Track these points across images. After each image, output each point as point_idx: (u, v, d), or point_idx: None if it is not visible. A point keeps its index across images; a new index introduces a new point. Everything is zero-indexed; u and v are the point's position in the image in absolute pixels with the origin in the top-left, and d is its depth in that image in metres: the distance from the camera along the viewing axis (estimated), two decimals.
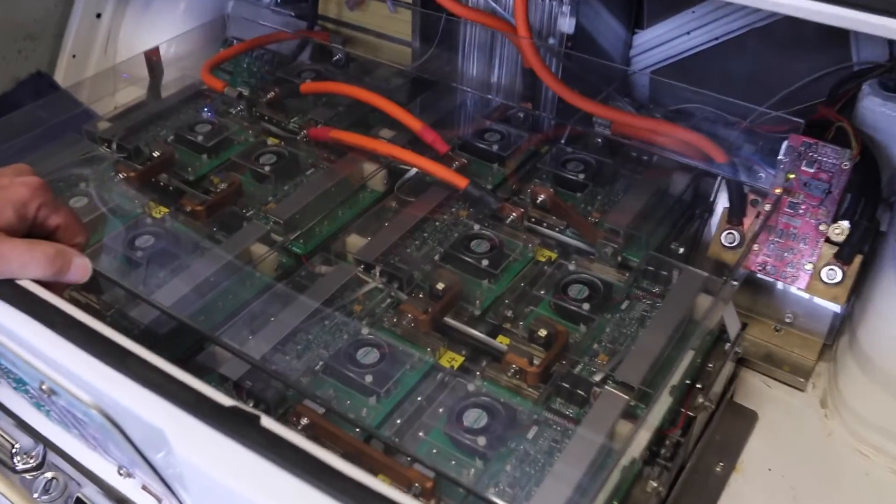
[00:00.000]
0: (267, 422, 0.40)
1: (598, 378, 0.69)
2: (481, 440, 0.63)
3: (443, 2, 0.98)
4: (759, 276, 0.85)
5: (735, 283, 0.74)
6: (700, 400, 0.71)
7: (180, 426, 0.41)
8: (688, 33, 1.03)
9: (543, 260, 0.83)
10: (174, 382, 0.42)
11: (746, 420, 0.81)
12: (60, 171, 0.91)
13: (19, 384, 0.56)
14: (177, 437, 0.41)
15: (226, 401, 0.42)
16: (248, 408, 0.41)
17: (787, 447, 0.79)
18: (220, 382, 0.69)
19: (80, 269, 0.55)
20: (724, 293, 0.73)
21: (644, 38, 1.06)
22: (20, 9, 1.10)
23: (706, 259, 0.89)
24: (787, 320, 0.87)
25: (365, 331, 0.73)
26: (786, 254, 0.84)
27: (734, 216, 0.86)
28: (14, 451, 0.65)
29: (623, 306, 0.77)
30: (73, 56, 1.15)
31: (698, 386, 0.72)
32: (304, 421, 0.65)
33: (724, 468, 0.76)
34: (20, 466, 0.65)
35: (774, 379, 0.85)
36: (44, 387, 0.49)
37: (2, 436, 0.67)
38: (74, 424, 0.56)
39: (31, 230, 0.55)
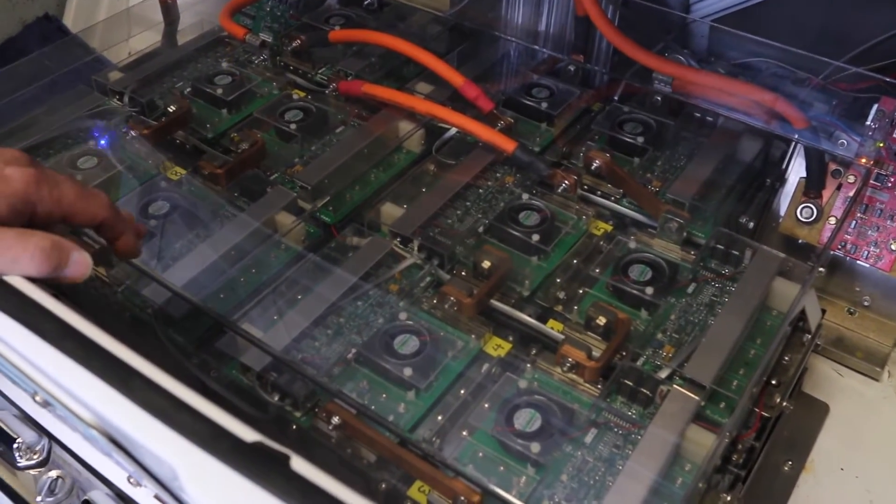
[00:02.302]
0: (298, 464, 0.33)
1: (663, 374, 0.62)
2: (535, 446, 0.56)
3: None
4: (834, 253, 0.76)
5: (822, 269, 0.66)
6: (777, 399, 0.63)
7: (193, 464, 0.34)
8: None
9: (598, 233, 0.75)
10: (186, 410, 0.35)
11: (816, 413, 0.74)
12: (67, 126, 0.83)
13: (15, 383, 0.49)
14: (189, 477, 0.34)
15: (248, 435, 0.34)
16: (276, 446, 0.34)
17: (861, 444, 0.72)
18: (243, 372, 0.62)
19: (78, 265, 0.47)
20: (809, 281, 0.64)
21: None
22: None
23: (776, 233, 0.81)
24: (865, 303, 0.78)
25: (403, 315, 0.65)
26: (869, 231, 0.75)
27: (812, 188, 0.78)
28: (16, 445, 0.59)
29: (689, 290, 0.69)
30: None
31: (773, 382, 0.65)
32: (336, 420, 0.58)
33: (792, 467, 0.69)
34: (23, 463, 0.59)
35: (846, 366, 0.78)
36: (37, 398, 0.42)
37: (2, 428, 0.60)
38: (77, 430, 0.49)
39: (29, 223, 0.47)
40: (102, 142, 0.82)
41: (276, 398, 0.60)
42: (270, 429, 0.61)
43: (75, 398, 0.38)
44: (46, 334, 0.38)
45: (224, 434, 0.34)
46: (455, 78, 0.83)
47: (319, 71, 0.92)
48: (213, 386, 0.62)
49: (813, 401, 0.74)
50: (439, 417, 0.61)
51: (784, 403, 0.63)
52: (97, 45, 0.98)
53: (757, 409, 0.63)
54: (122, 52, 0.98)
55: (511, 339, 0.67)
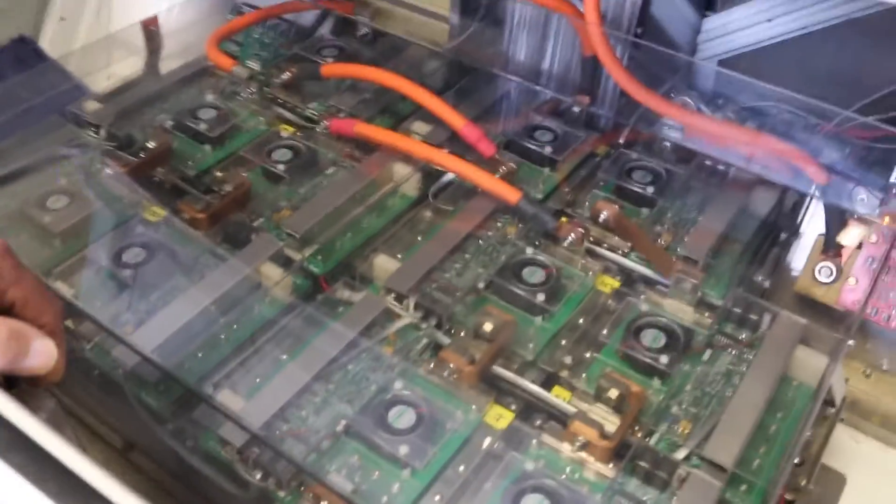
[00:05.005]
0: None
1: (681, 455, 0.57)
2: None
3: None
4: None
5: (851, 343, 0.62)
6: (802, 482, 0.59)
7: None
8: (769, 20, 0.88)
9: (605, 290, 0.70)
10: None
11: (833, 485, 0.69)
12: (37, 160, 0.77)
13: None
14: None
15: None
16: None
17: None
18: (222, 445, 0.57)
19: (40, 355, 0.42)
20: (839, 354, 0.60)
21: (716, 22, 0.92)
22: None
23: (789, 292, 0.76)
24: (883, 366, 0.74)
25: (398, 384, 0.60)
26: (891, 293, 0.71)
27: (831, 247, 0.73)
28: None
29: (704, 357, 0.65)
30: (62, 19, 1.01)
31: (796, 462, 0.60)
32: None
33: None
34: None
35: (862, 432, 0.73)
36: None
37: None
38: None
39: None
40: (75, 179, 0.76)
41: (259, 477, 0.55)
42: None
43: None
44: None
45: None
46: (455, 120, 0.78)
47: (310, 106, 0.87)
48: (190, 459, 0.56)
49: (829, 471, 0.70)
50: (437, 498, 0.55)
51: (810, 486, 0.59)
52: (76, 71, 0.92)
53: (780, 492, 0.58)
54: (101, 79, 0.92)
55: (514, 407, 0.61)
